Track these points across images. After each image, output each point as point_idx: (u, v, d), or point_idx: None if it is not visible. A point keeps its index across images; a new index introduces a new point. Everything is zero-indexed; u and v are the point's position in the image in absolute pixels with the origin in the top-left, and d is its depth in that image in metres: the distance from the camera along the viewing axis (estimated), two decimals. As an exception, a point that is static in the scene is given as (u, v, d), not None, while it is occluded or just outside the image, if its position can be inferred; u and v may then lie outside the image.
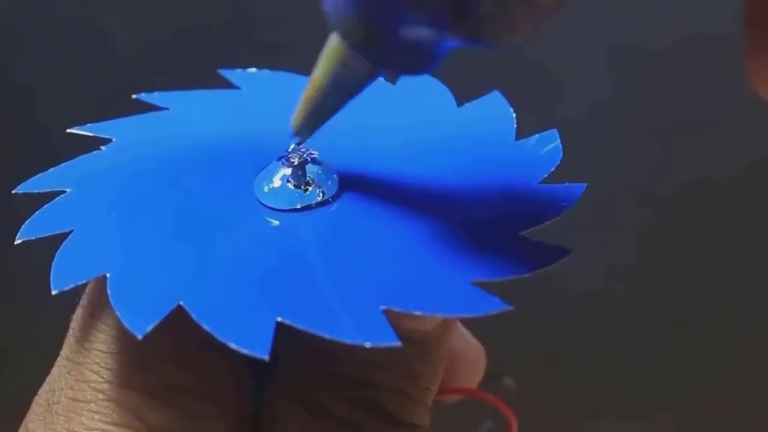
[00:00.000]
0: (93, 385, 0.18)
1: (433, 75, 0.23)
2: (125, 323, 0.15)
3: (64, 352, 0.19)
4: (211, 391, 0.18)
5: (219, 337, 0.15)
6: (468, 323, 0.24)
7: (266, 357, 0.15)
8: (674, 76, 0.44)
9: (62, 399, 0.18)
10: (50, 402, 0.18)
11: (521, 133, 0.21)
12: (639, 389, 0.47)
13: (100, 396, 0.17)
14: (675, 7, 0.43)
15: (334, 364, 0.18)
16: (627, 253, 0.46)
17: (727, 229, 0.45)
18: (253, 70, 0.23)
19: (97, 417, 0.17)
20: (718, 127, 0.44)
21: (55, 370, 0.19)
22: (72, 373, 0.18)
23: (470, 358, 0.23)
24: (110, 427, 0.17)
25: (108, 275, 0.17)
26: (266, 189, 0.19)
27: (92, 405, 0.17)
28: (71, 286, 0.17)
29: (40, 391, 0.19)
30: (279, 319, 0.15)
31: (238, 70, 0.23)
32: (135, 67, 0.44)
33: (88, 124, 0.21)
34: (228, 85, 0.23)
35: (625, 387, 0.47)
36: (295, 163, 0.19)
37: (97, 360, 0.18)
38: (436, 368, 0.19)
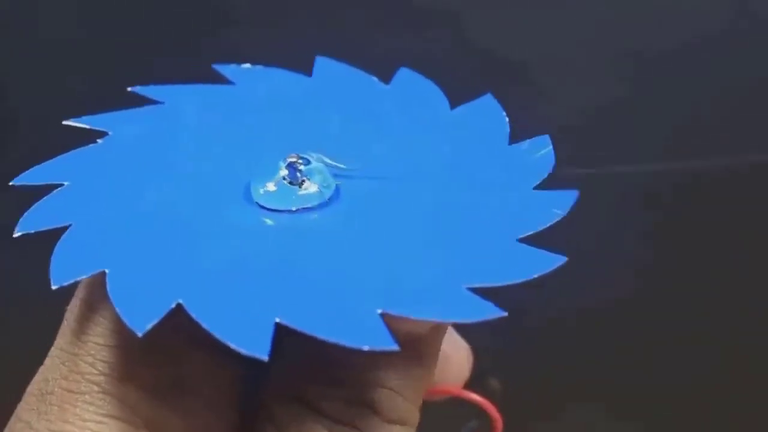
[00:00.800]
0: (87, 376, 0.18)
1: (433, 77, 0.24)
2: (126, 321, 0.16)
3: (59, 342, 0.19)
4: (207, 388, 0.19)
5: (218, 336, 0.15)
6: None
7: (265, 358, 0.15)
8: (676, 78, 0.44)
9: (56, 389, 0.18)
10: (43, 392, 0.18)
11: (524, 134, 0.22)
12: (632, 393, 0.48)
13: (95, 388, 0.18)
14: (678, 9, 0.43)
15: (328, 363, 0.19)
16: (626, 256, 0.46)
17: (730, 231, 0.45)
18: (247, 65, 0.24)
19: (91, 409, 0.18)
20: (719, 128, 0.44)
21: (48, 361, 0.19)
22: (66, 364, 0.18)
23: (458, 359, 0.24)
24: (105, 419, 0.18)
25: (107, 271, 0.17)
26: (262, 191, 0.20)
27: (87, 397, 0.18)
28: (71, 281, 0.17)
29: (33, 381, 0.19)
30: (277, 319, 0.16)
31: (232, 65, 0.24)
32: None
33: (84, 117, 0.21)
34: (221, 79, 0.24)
35: (618, 389, 0.47)
36: (293, 164, 0.20)
37: (92, 352, 0.18)
38: (428, 369, 0.19)
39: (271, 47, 0.44)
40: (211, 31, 0.45)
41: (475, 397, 0.23)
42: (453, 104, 0.23)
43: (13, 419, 0.19)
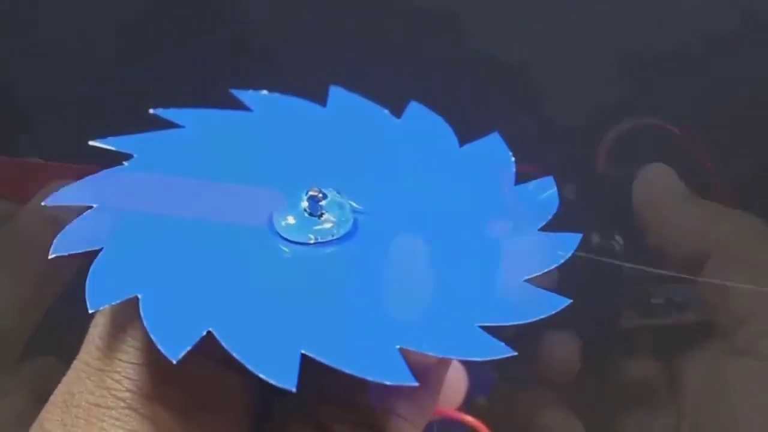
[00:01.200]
0: (114, 392, 0.19)
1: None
2: (160, 347, 0.17)
3: (83, 357, 0.20)
4: (232, 408, 0.20)
5: (249, 366, 0.17)
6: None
7: (293, 389, 0.16)
8: (676, 78, 0.45)
9: (82, 403, 0.19)
10: (69, 404, 0.19)
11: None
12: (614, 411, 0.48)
13: (122, 404, 0.19)
14: (678, 9, 0.44)
15: (340, 387, 0.20)
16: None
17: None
18: (264, 92, 0.25)
19: (117, 424, 0.19)
20: (722, 132, 0.45)
21: (72, 373, 0.20)
22: (92, 378, 0.19)
23: (455, 383, 0.25)
24: None
25: (140, 296, 0.18)
26: (284, 223, 0.21)
27: (113, 412, 0.19)
28: (106, 305, 0.18)
29: (56, 392, 0.20)
30: (303, 351, 0.17)
31: (250, 91, 0.25)
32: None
33: (109, 138, 0.22)
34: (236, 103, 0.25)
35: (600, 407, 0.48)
36: (314, 197, 0.21)
37: (119, 369, 0.19)
38: (433, 397, 0.21)
39: (270, 47, 0.44)
40: (212, 31, 0.45)
41: (469, 419, 0.25)
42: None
43: (35, 426, 0.20)
